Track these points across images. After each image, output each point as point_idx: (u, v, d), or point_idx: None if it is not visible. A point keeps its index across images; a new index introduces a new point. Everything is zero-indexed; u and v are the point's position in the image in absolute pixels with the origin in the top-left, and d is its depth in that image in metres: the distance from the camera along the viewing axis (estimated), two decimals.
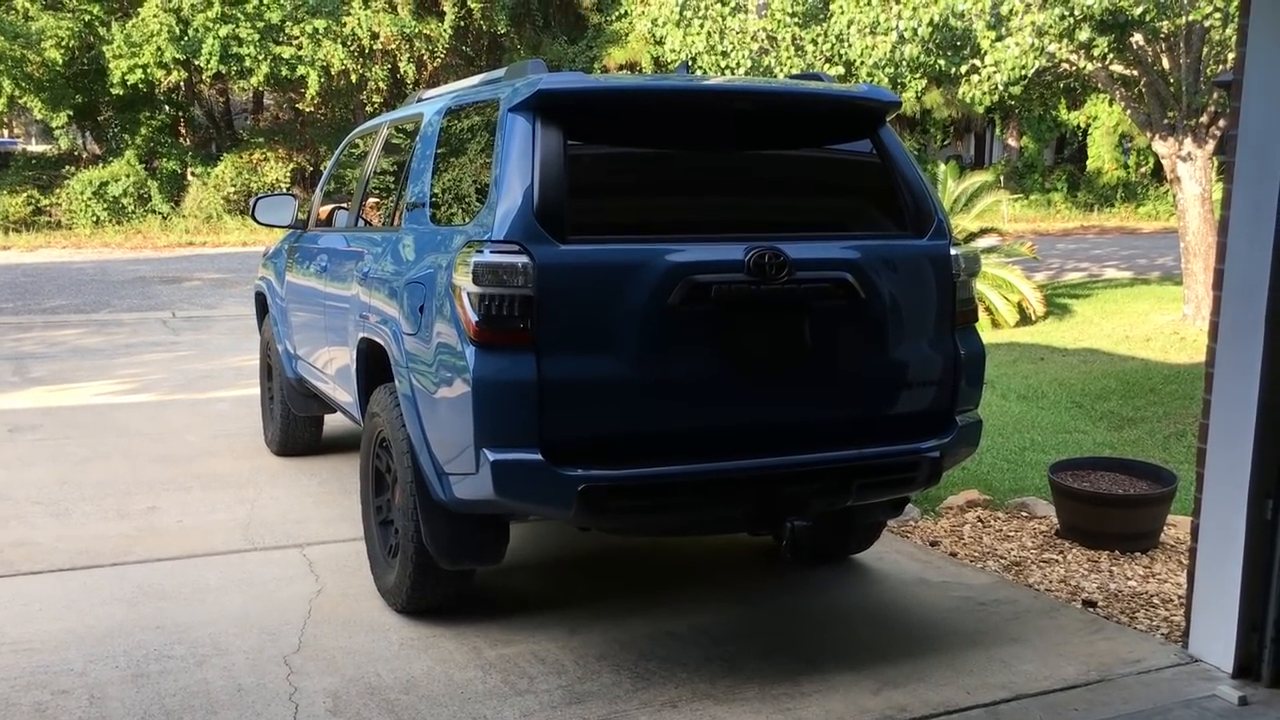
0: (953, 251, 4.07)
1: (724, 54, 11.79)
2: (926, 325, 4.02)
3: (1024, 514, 5.71)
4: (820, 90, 4.17)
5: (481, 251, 3.54)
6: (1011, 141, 34.00)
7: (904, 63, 10.18)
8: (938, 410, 4.07)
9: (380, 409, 4.29)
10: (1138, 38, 11.51)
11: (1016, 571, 4.92)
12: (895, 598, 4.56)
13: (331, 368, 5.37)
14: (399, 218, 4.60)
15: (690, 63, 6.81)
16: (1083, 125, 33.01)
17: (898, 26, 9.94)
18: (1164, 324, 12.58)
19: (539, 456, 3.50)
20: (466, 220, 3.86)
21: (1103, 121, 32.57)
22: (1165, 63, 12.15)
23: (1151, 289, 16.43)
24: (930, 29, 9.79)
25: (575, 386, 3.55)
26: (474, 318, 3.53)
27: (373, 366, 4.50)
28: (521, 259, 3.50)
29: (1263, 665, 3.71)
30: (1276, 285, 3.57)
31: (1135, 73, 12.47)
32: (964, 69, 10.05)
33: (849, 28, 10.36)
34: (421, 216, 4.31)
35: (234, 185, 26.49)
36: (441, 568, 4.04)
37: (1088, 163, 34.72)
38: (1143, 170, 34.37)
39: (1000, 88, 9.92)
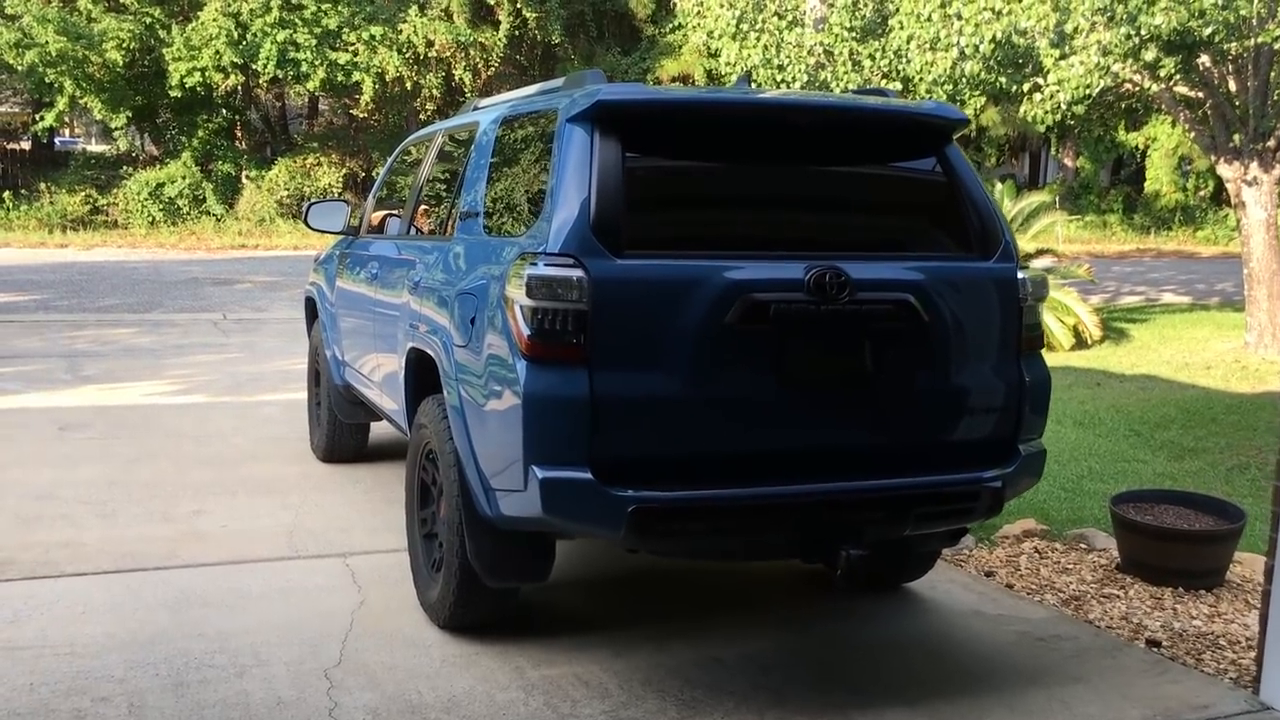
0: (1020, 275, 3.94)
1: (780, 68, 11.68)
2: (990, 350, 3.90)
3: (1083, 546, 5.54)
4: (885, 106, 4.06)
5: (536, 264, 3.46)
6: (1068, 161, 33.54)
7: (964, 79, 10.02)
8: (1000, 438, 3.94)
9: (428, 420, 4.22)
10: (1204, 59, 11.26)
11: (1076, 606, 4.76)
12: (949, 629, 4.42)
13: (379, 375, 5.33)
14: (452, 227, 4.54)
15: (749, 75, 6.71)
16: (1141, 146, 32.49)
17: (959, 43, 9.78)
18: (1225, 351, 12.29)
19: (589, 475, 3.42)
20: (521, 231, 3.79)
21: (1162, 143, 32.04)
22: (1232, 85, 11.88)
23: (1211, 315, 16.09)
24: (992, 46, 9.62)
25: (628, 404, 3.46)
26: (526, 331, 3.45)
27: (421, 377, 4.44)
28: (576, 272, 3.42)
29: None
30: None
31: (1201, 95, 12.21)
32: (1026, 87, 9.88)
33: (908, 43, 10.21)
34: (475, 226, 4.25)
35: (287, 189, 26.74)
36: (485, 584, 3.96)
37: (1145, 184, 34.18)
38: (1201, 193, 33.78)
39: (1063, 106, 9.72)
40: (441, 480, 4.09)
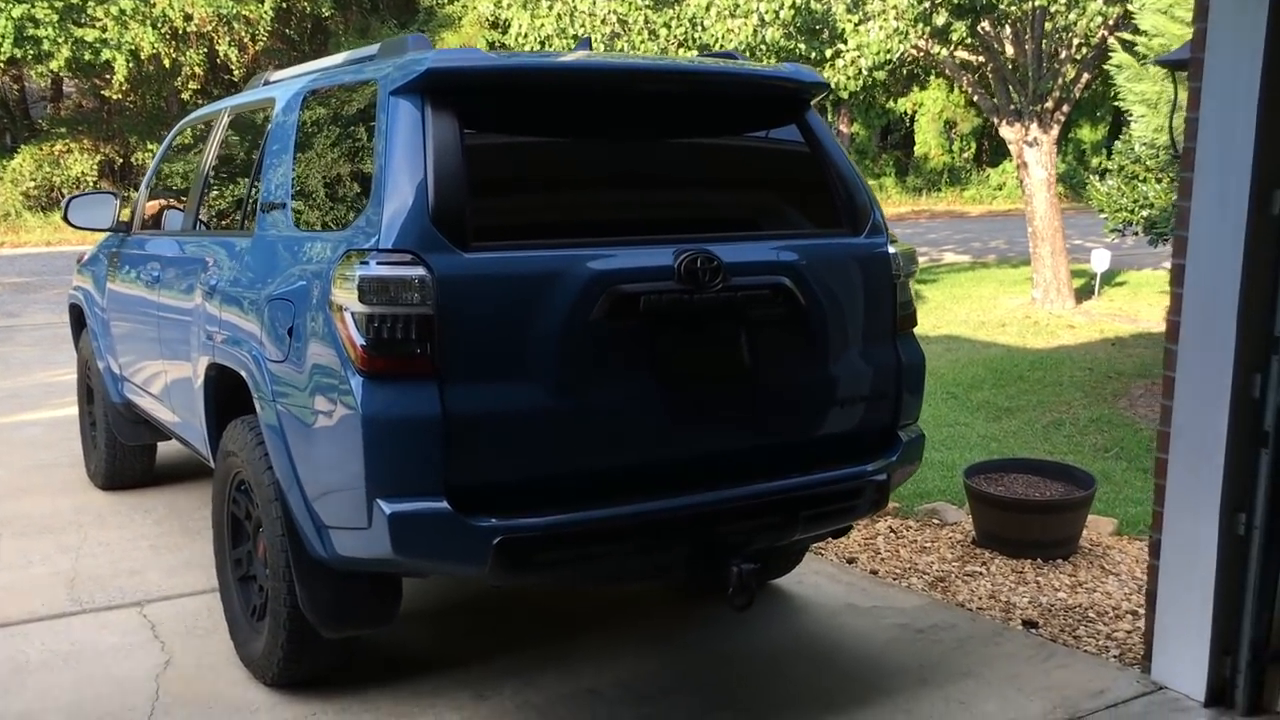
0: (891, 250, 3.67)
1: (575, 38, 11.25)
2: (868, 333, 3.62)
3: (935, 521, 5.41)
4: (741, 70, 3.70)
5: (367, 262, 2.95)
6: (843, 128, 34.49)
7: (764, 47, 9.85)
8: (880, 426, 3.68)
9: (237, 447, 3.62)
10: (985, 23, 11.50)
11: (943, 588, 4.59)
12: (826, 630, 4.16)
13: (169, 393, 4.64)
14: (251, 219, 3.93)
15: (589, 41, 6.25)
16: (910, 111, 33.73)
17: (758, 9, 9.60)
18: (1015, 308, 12.70)
19: (445, 505, 2.94)
20: (343, 224, 3.24)
21: (929, 108, 33.36)
22: (1010, 49, 12.22)
23: (993, 272, 16.72)
24: (792, 12, 9.48)
25: (486, 420, 3.00)
26: (360, 342, 2.93)
27: (225, 396, 3.82)
28: (417, 271, 2.93)
29: (1237, 692, 3.45)
30: (1249, 282, 3.29)
31: (982, 59, 12.52)
32: (829, 53, 9.80)
33: (708, 11, 9.96)
34: (281, 219, 3.66)
35: (34, 179, 24.47)
36: (321, 635, 3.41)
37: (915, 148, 35.55)
38: (966, 155, 35.40)
39: (864, 72, 9.70)
40: (259, 515, 3.51)
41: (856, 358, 3.57)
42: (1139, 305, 12.68)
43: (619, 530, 3.10)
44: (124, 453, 5.79)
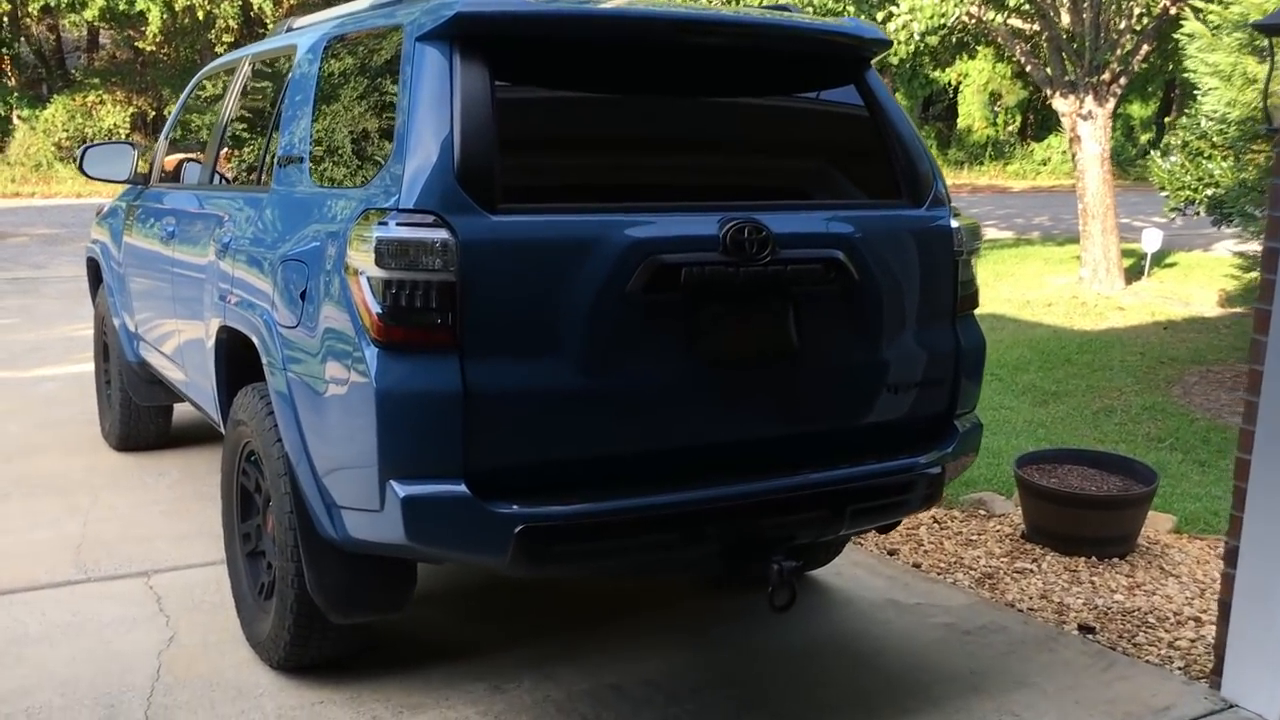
0: (954, 224, 3.38)
1: None
2: (925, 313, 3.34)
3: (982, 512, 5.14)
4: (798, 23, 3.40)
5: (385, 223, 2.70)
6: None
7: (812, 9, 9.49)
8: (935, 415, 3.41)
9: (247, 416, 3.40)
10: None
11: (991, 586, 4.33)
12: (867, 627, 3.90)
13: (182, 354, 4.42)
14: (268, 174, 3.68)
15: None
16: (953, 83, 33.08)
17: None
18: (1061, 287, 12.32)
19: (464, 489, 2.70)
20: (363, 180, 2.99)
21: (973, 79, 32.69)
22: (1066, 18, 11.78)
23: (1038, 250, 16.29)
24: None
25: (510, 399, 2.76)
26: (376, 310, 2.69)
27: (236, 361, 3.59)
28: (440, 234, 2.67)
29: None
30: None
31: (1036, 27, 12.09)
32: (880, 16, 9.44)
33: None
34: (299, 174, 3.41)
35: (66, 130, 24.39)
36: (330, 620, 3.20)
37: (958, 120, 34.89)
38: (1010, 129, 34.73)
39: (916, 37, 9.33)
40: (268, 489, 3.29)
41: (912, 340, 3.30)
42: (1190, 288, 12.26)
43: (650, 522, 2.85)
44: (139, 413, 5.60)
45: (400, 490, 2.69)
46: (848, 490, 3.11)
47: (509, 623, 3.88)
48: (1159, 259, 13.91)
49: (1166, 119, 29.82)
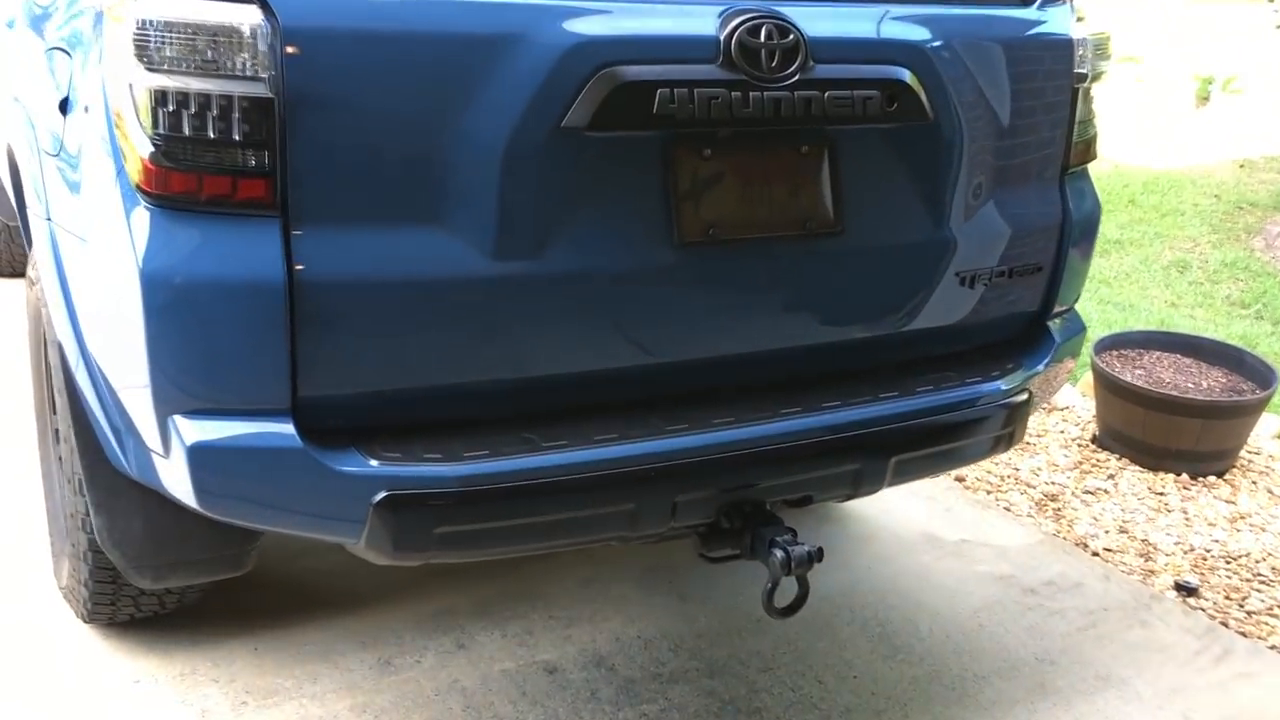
0: (1075, 34, 2.26)
1: None
2: (1025, 167, 2.26)
3: (1043, 404, 4.13)
4: None
5: None
6: None
7: None
8: (1025, 316, 2.37)
9: (39, 275, 2.36)
10: None
11: (1055, 513, 3.37)
12: (895, 577, 2.94)
13: None
14: None
15: None
16: None
17: None
18: (1119, 114, 10.98)
19: (291, 434, 1.70)
20: None
21: None
22: None
23: None
24: None
25: (368, 293, 1.72)
26: (144, 142, 1.62)
27: (22, 194, 2.53)
28: (248, 12, 1.58)
29: None
30: None
31: None
32: None
33: None
34: None
35: None
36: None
37: None
38: None
39: None
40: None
41: (1001, 206, 2.22)
42: (1268, 118, 10.92)
43: (591, 485, 1.84)
44: None
45: (187, 432, 1.68)
46: (891, 433, 2.09)
47: (419, 571, 2.92)
48: (1225, 83, 12.47)
49: None
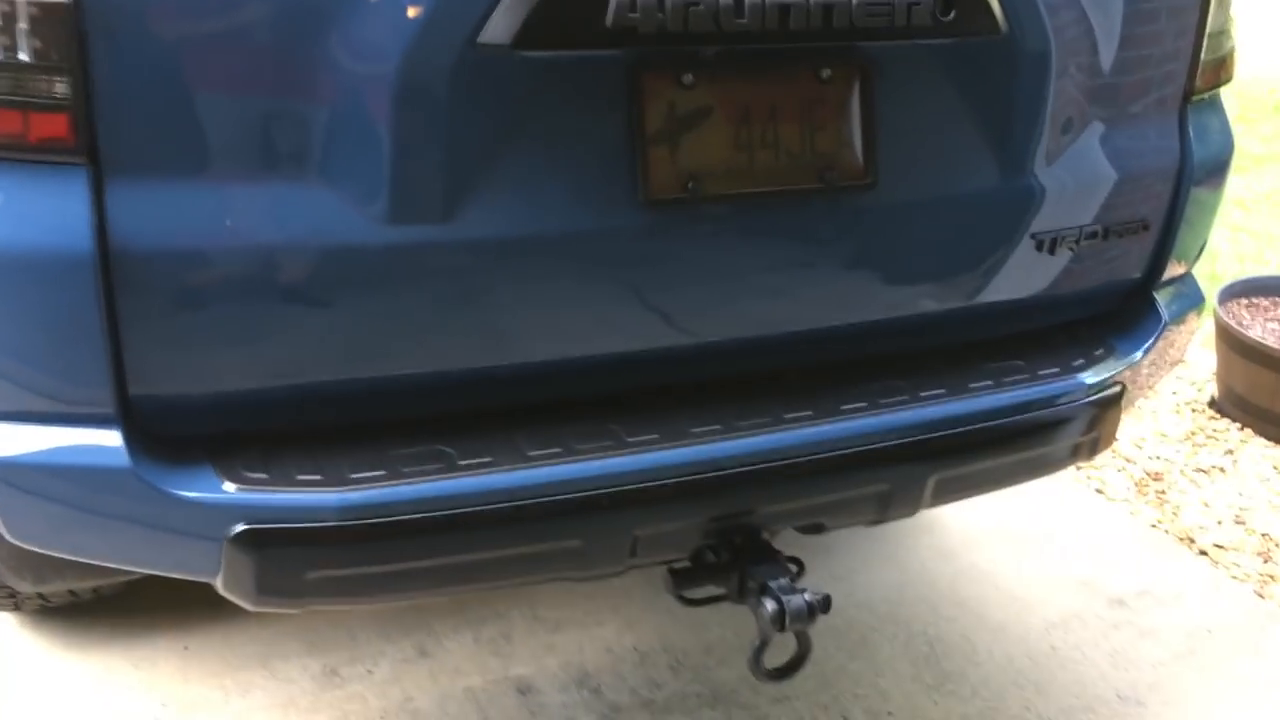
0: None
1: None
2: (1132, 93, 1.72)
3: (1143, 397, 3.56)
4: None
5: None
6: None
7: None
8: (1124, 285, 1.85)
9: None
10: None
11: (1159, 496, 2.85)
12: (959, 576, 2.48)
13: None
14: None
15: None
16: None
17: None
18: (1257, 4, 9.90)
19: (117, 444, 1.30)
20: None
21: None
22: None
23: None
24: None
25: (217, 265, 1.30)
26: None
27: None
28: None
29: None
30: None
31: None
32: None
33: None
34: None
35: None
36: None
37: None
38: None
39: None
40: None
41: (1097, 146, 1.69)
42: None
43: (519, 516, 1.41)
44: None
45: None
46: (933, 444, 1.61)
47: None
48: None
49: None
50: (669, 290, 1.47)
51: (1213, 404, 3.27)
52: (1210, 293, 3.15)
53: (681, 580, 1.59)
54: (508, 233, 1.37)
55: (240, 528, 1.31)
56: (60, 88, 1.20)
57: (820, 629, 2.12)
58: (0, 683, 2.03)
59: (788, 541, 1.64)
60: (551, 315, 1.43)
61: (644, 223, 1.42)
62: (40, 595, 2.00)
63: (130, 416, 1.31)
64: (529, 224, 1.37)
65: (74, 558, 1.42)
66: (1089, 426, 1.75)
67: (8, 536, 1.36)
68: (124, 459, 1.30)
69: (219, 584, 1.37)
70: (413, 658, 2.14)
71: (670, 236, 1.44)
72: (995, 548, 2.57)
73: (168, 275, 1.27)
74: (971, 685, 2.16)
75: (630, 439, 1.47)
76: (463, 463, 1.40)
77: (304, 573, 1.36)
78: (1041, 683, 2.17)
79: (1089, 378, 1.73)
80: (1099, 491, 2.85)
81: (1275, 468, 3.00)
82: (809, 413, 1.55)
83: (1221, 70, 1.82)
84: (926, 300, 1.65)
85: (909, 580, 2.45)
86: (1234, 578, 2.55)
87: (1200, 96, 1.79)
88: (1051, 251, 1.70)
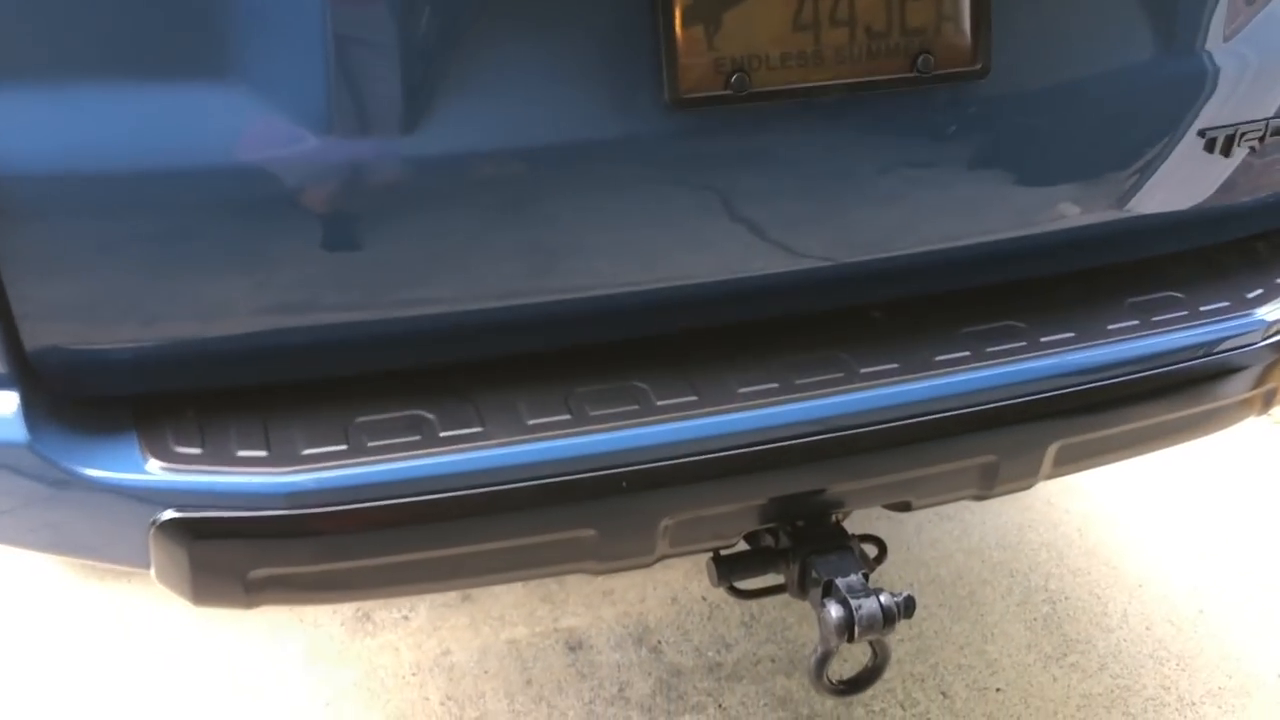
0: None
1: None
2: None
3: None
4: None
5: None
6: None
7: None
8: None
9: None
10: None
11: None
12: (1092, 517, 2.13)
13: None
14: None
15: None
16: None
17: None
18: None
19: (13, 409, 1.06)
20: None
21: None
22: None
23: None
24: None
25: (117, 186, 1.02)
26: None
27: None
28: None
29: None
30: None
31: None
32: None
33: None
34: None
35: None
36: None
37: None
38: None
39: None
40: None
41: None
42: None
43: (515, 502, 1.12)
44: None
45: None
46: (1054, 403, 1.26)
47: None
48: None
49: None
50: (704, 213, 1.14)
51: None
52: None
53: (728, 569, 1.29)
54: (486, 145, 1.05)
55: (168, 515, 1.07)
56: None
57: (920, 579, 1.83)
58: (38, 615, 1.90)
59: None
60: (546, 248, 1.12)
61: (673, 129, 1.08)
62: None
63: (31, 373, 1.07)
64: (513, 134, 1.06)
65: None
66: (1263, 377, 1.37)
67: None
68: (20, 431, 1.06)
69: (155, 573, 1.14)
70: (454, 602, 1.92)
71: (705, 147, 1.11)
72: (1138, 485, 2.20)
73: (56, 198, 1.01)
74: (1099, 657, 1.83)
75: (661, 402, 1.16)
76: (445, 434, 1.12)
77: (247, 571, 1.11)
78: (1185, 656, 1.84)
79: (1269, 313, 1.35)
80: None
81: None
82: (893, 365, 1.22)
83: None
84: (1054, 216, 1.28)
85: (1030, 521, 2.12)
86: None
87: None
88: (1226, 152, 1.30)
